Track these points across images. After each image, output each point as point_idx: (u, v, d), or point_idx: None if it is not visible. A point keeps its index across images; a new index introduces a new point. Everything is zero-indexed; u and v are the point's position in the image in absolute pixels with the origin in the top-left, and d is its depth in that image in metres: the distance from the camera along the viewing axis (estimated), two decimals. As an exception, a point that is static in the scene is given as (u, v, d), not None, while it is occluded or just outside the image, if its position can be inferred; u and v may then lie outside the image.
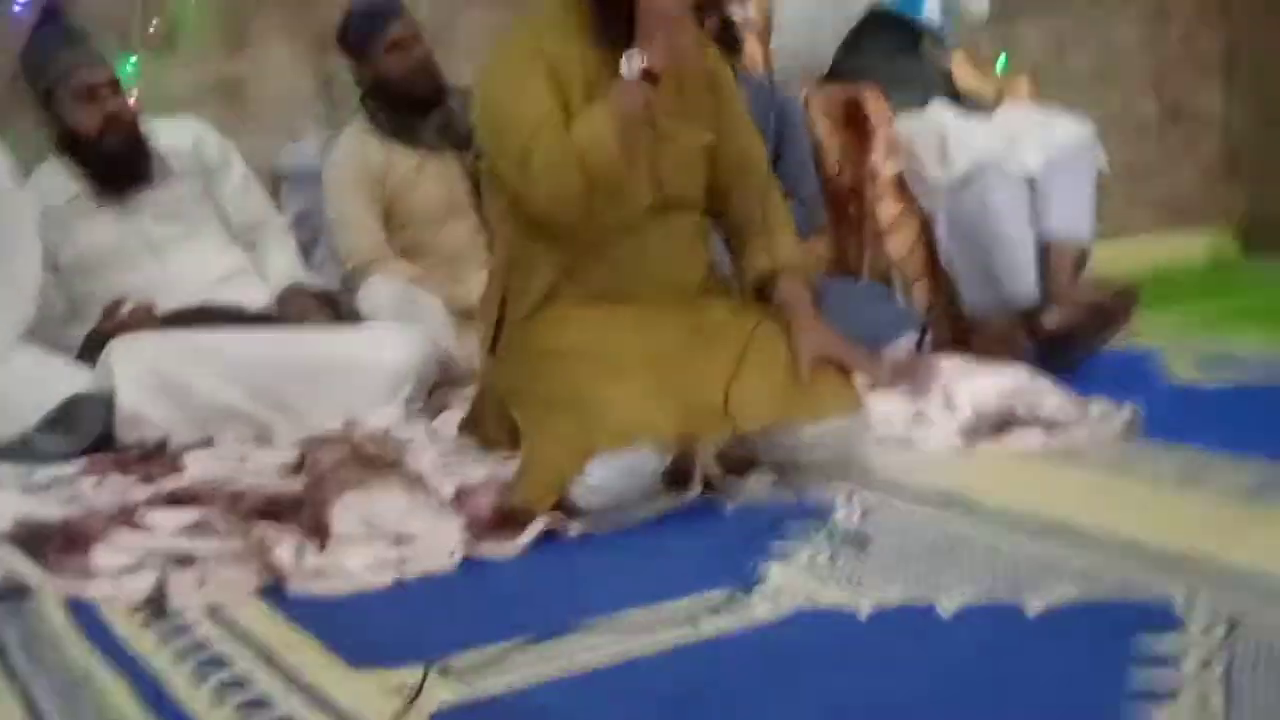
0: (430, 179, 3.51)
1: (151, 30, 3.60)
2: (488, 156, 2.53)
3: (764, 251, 2.54)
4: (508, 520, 2.25)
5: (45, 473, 2.74)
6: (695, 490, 2.36)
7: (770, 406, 2.33)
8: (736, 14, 3.10)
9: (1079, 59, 5.06)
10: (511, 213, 2.49)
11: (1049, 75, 4.76)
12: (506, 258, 2.55)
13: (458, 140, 3.52)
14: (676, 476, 2.36)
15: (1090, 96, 4.93)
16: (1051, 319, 3.33)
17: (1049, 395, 2.86)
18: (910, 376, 2.98)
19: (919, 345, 3.38)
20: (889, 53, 3.81)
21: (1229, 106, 5.43)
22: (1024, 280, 3.39)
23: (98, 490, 2.60)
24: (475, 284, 3.42)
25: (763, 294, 2.54)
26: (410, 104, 3.49)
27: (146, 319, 3.10)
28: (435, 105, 3.52)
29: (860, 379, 2.50)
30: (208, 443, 2.88)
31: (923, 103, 3.69)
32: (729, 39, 3.23)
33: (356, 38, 3.50)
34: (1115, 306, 3.34)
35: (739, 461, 2.45)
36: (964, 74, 3.90)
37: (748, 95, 2.82)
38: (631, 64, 2.30)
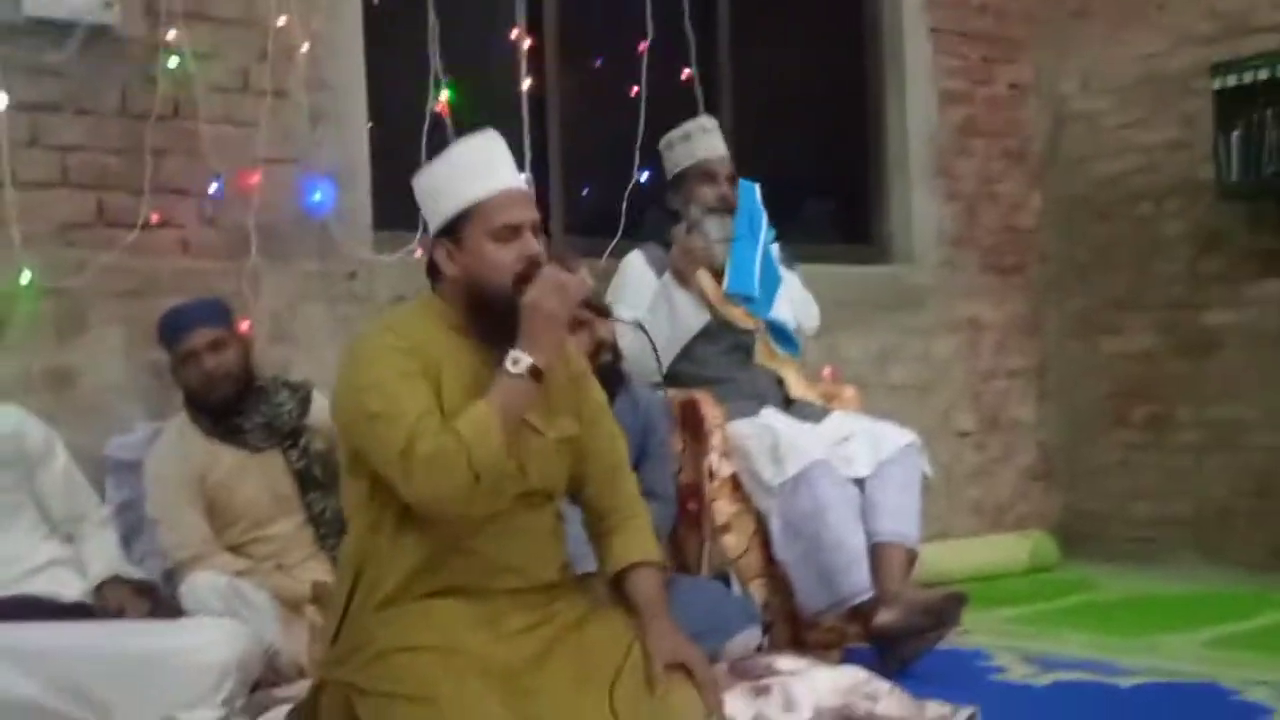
0: (253, 476, 3.41)
1: (-20, 318, 3.53)
2: (350, 447, 2.45)
3: (622, 545, 2.54)
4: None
5: None
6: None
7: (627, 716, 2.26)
8: (604, 333, 3.24)
9: (900, 371, 5.29)
10: (369, 504, 2.43)
11: (872, 386, 4.97)
12: (360, 548, 2.47)
13: (283, 437, 3.46)
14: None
15: (912, 406, 5.16)
16: (884, 618, 3.37)
17: (886, 695, 2.86)
18: (750, 675, 2.95)
19: (759, 644, 3.36)
20: (723, 361, 3.96)
21: (1041, 416, 5.70)
22: (856, 578, 3.45)
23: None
24: (303, 575, 3.34)
25: (618, 583, 2.53)
26: (219, 408, 3.42)
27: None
28: (246, 405, 3.43)
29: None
30: (5, 747, 2.68)
31: (756, 409, 3.81)
32: (615, 374, 3.40)
33: (162, 342, 3.48)
34: (945, 607, 3.40)
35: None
36: (794, 382, 4.05)
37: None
38: (519, 363, 2.34)
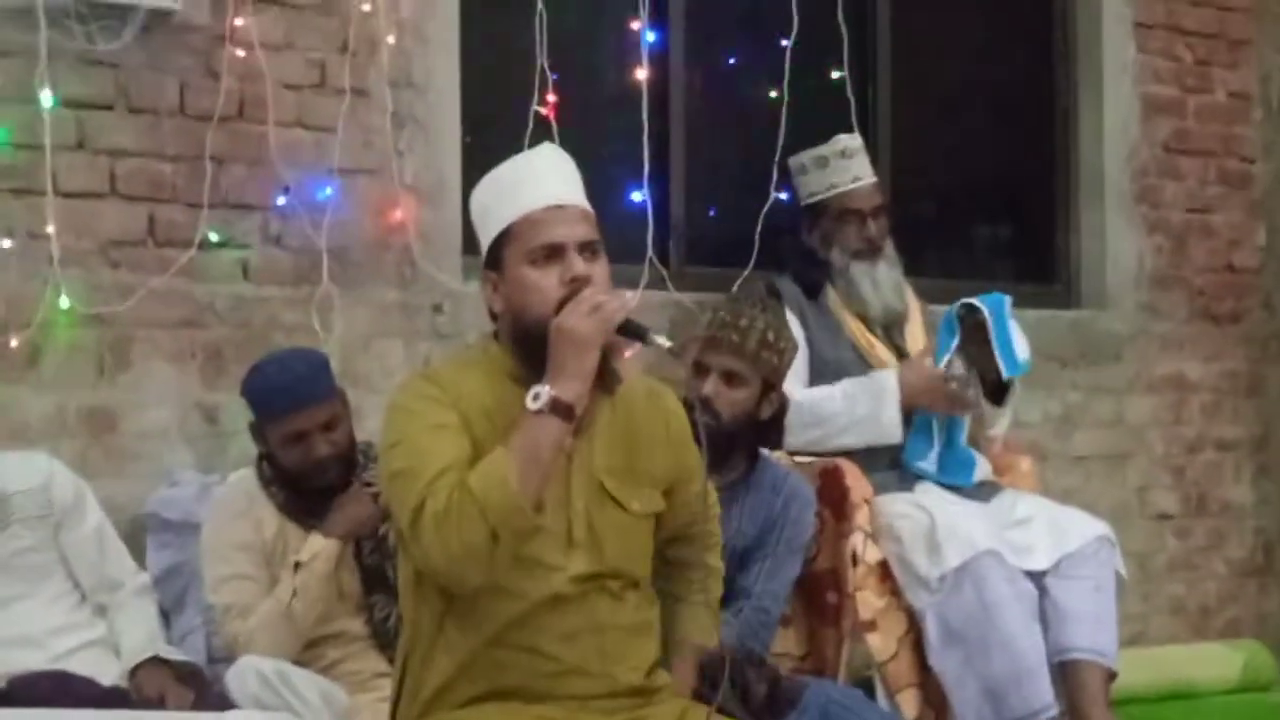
0: None
1: (11, 347, 3.61)
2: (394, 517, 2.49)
3: (688, 618, 2.68)
4: None
5: None
6: None
7: None
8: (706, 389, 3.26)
9: (1087, 439, 5.21)
10: (415, 587, 2.44)
11: (1053, 456, 4.91)
12: (406, 640, 2.50)
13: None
14: None
15: (1100, 481, 5.08)
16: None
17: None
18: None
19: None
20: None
21: (1260, 497, 5.58)
22: (1033, 691, 3.40)
23: None
24: (366, 666, 3.36)
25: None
26: (319, 493, 3.35)
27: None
28: (339, 491, 3.36)
29: None
30: None
31: (910, 482, 3.78)
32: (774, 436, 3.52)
33: (255, 405, 3.39)
34: None
35: None
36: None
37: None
38: (539, 397, 2.31)
